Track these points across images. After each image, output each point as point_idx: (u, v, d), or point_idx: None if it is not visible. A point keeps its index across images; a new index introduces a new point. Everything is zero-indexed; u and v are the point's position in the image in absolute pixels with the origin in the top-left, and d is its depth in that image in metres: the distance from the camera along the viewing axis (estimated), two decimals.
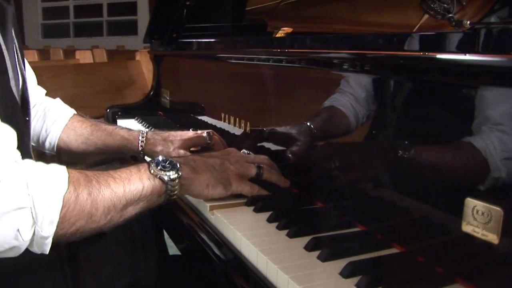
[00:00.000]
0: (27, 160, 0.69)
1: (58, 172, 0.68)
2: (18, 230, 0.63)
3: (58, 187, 0.66)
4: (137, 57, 3.86)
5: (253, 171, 0.88)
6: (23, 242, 0.64)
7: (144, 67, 3.49)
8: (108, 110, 1.88)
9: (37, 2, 11.17)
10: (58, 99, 1.22)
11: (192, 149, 1.15)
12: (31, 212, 0.63)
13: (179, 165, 0.79)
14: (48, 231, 0.65)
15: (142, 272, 0.89)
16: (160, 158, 0.78)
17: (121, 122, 1.79)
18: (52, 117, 1.16)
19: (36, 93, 1.18)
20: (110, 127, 1.19)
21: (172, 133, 1.17)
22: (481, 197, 0.57)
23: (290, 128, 1.01)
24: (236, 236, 0.75)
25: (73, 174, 0.70)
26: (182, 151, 1.12)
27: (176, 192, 0.78)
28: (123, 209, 0.73)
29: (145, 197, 0.75)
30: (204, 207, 0.87)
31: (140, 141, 1.15)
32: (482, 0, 0.74)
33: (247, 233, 0.74)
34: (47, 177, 0.66)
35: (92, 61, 4.67)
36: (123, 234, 1.18)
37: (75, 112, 1.22)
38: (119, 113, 1.87)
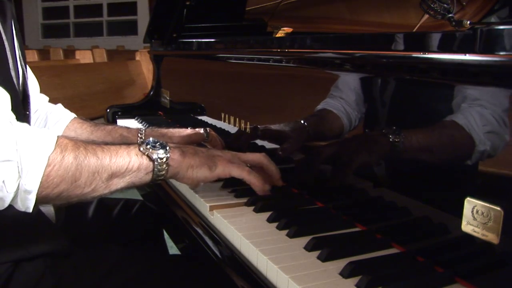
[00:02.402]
0: (22, 123, 0.72)
1: (48, 134, 0.72)
2: (3, 181, 0.66)
3: (45, 147, 0.70)
4: (137, 57, 3.87)
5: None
6: (7, 194, 0.68)
7: (144, 67, 3.50)
8: (108, 110, 1.88)
9: (37, 2, 11.19)
10: (59, 105, 1.25)
11: None
12: (17, 166, 0.67)
13: (169, 148, 0.81)
14: (31, 185, 0.68)
15: (142, 272, 0.88)
16: (151, 139, 0.81)
17: (121, 122, 1.80)
18: (53, 120, 1.19)
19: (39, 100, 1.21)
20: (109, 127, 1.21)
21: (171, 129, 1.20)
22: (481, 197, 0.57)
23: (284, 125, 1.01)
24: (236, 236, 0.75)
25: (62, 139, 0.73)
26: None
27: (163, 172, 0.79)
28: (108, 179, 0.75)
29: (131, 171, 0.77)
30: (204, 207, 0.87)
31: (139, 138, 1.17)
32: (482, 0, 0.74)
33: (247, 233, 0.74)
34: (36, 137, 0.70)
35: (92, 61, 4.68)
36: (122, 233, 1.18)
37: (76, 116, 1.24)
38: (119, 113, 1.88)
